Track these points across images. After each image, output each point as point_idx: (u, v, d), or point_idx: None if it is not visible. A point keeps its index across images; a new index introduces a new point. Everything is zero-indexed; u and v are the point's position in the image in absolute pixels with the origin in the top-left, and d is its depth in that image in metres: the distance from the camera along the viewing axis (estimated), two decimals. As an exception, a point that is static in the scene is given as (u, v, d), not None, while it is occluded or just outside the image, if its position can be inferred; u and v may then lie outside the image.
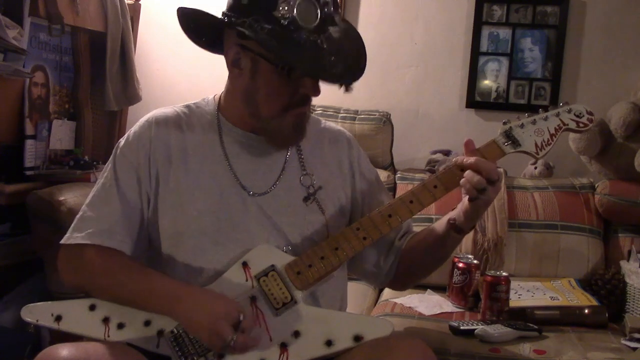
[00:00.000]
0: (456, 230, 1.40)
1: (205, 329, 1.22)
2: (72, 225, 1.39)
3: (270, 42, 1.24)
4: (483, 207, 1.35)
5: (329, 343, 1.25)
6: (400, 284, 1.61)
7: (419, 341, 1.26)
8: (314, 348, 1.25)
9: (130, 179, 1.38)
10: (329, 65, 1.27)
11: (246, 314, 1.23)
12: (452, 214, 1.40)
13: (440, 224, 1.43)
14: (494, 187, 1.32)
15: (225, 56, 1.37)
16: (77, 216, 1.39)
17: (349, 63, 1.31)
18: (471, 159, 1.31)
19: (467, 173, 1.31)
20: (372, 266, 1.51)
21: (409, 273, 1.52)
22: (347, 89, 1.30)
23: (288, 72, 1.28)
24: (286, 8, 1.24)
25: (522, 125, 1.38)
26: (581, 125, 1.40)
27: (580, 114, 1.40)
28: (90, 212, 1.38)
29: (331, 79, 1.27)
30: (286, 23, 1.24)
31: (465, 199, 1.34)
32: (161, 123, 1.42)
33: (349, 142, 1.53)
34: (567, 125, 1.39)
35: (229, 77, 1.41)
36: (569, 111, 1.40)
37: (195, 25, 1.38)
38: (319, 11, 1.27)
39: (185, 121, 1.43)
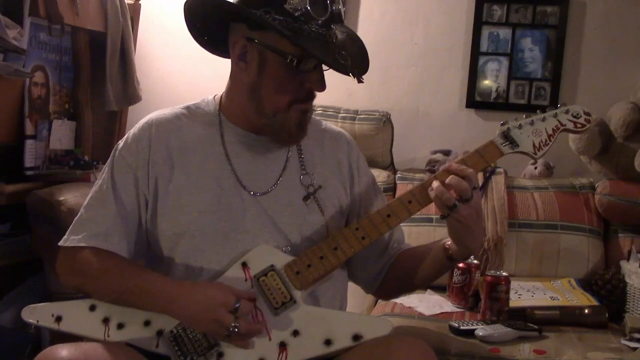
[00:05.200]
0: (448, 257, 1.39)
1: (206, 320, 1.22)
2: (70, 227, 1.40)
3: (283, 31, 1.25)
4: (462, 229, 1.31)
5: (328, 342, 1.25)
6: (385, 293, 1.62)
7: (419, 340, 1.26)
8: (313, 347, 1.25)
9: (127, 182, 1.38)
10: (340, 56, 1.28)
11: (242, 297, 1.24)
12: (446, 239, 1.40)
13: (437, 246, 1.42)
14: (467, 205, 1.29)
15: (230, 50, 1.37)
16: (75, 218, 1.40)
17: (355, 59, 1.33)
18: (450, 176, 1.29)
19: (438, 188, 1.29)
20: (360, 270, 1.52)
21: (394, 284, 1.52)
22: (360, 80, 1.32)
23: (297, 63, 1.29)
24: (297, 0, 1.26)
25: (520, 126, 1.39)
26: (579, 125, 1.40)
27: (577, 114, 1.40)
28: (86, 214, 1.39)
29: (343, 69, 1.28)
30: (297, 14, 1.26)
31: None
32: (161, 125, 1.42)
33: (349, 144, 1.54)
34: (565, 126, 1.40)
35: (232, 73, 1.41)
36: (567, 112, 1.40)
37: (201, 19, 1.38)
38: (329, 4, 1.29)
39: (184, 122, 1.43)
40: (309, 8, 1.26)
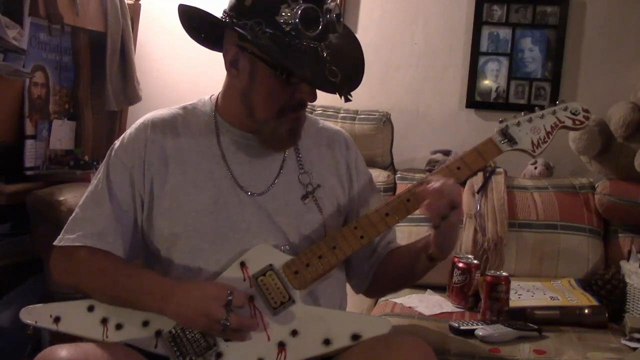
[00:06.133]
0: (428, 257, 1.39)
1: (198, 314, 1.22)
2: (65, 227, 1.40)
3: (270, 47, 1.24)
4: (449, 234, 1.33)
5: (327, 342, 1.25)
6: (373, 292, 1.61)
7: (419, 339, 1.27)
8: (312, 347, 1.25)
9: (123, 182, 1.38)
10: (329, 73, 1.27)
11: (236, 293, 1.23)
12: (428, 239, 1.40)
13: (418, 246, 1.43)
14: (457, 211, 1.29)
15: (224, 56, 1.37)
16: (70, 218, 1.40)
17: (348, 73, 1.31)
18: (436, 184, 1.28)
19: (433, 199, 1.27)
20: (351, 270, 1.52)
21: (381, 282, 1.52)
22: (347, 99, 1.30)
23: (287, 77, 1.29)
24: (289, 14, 1.24)
25: (518, 124, 1.39)
26: (577, 122, 1.40)
27: (576, 111, 1.40)
28: (82, 214, 1.39)
29: (331, 88, 1.27)
30: (288, 29, 1.25)
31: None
32: (157, 125, 1.42)
33: (347, 143, 1.54)
34: (564, 122, 1.40)
35: (226, 76, 1.41)
36: (565, 109, 1.40)
37: (197, 20, 1.38)
38: (321, 19, 1.27)
39: (181, 122, 1.43)
40: (298, 22, 1.24)
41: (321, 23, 1.27)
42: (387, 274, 1.50)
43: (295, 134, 1.38)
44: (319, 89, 1.29)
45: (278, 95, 1.32)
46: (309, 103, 1.37)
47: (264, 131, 1.36)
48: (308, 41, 1.26)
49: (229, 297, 1.21)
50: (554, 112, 1.40)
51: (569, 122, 1.40)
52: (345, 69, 1.30)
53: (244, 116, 1.37)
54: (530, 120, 1.39)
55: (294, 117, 1.36)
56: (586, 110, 1.40)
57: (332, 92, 1.27)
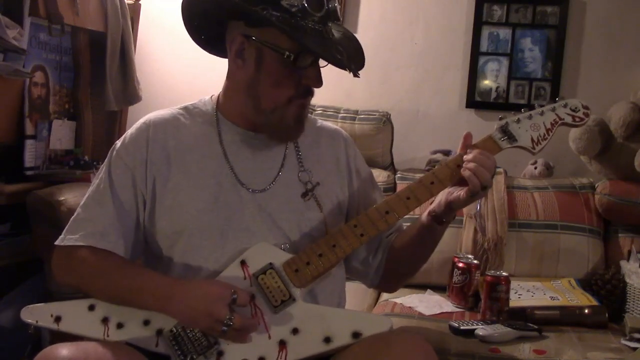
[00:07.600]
0: (438, 221, 1.41)
1: (201, 314, 1.22)
2: (67, 226, 1.39)
3: (282, 26, 1.26)
4: (470, 202, 1.38)
5: (327, 340, 1.25)
6: (389, 284, 1.59)
7: (418, 337, 1.27)
8: (312, 345, 1.26)
9: (125, 181, 1.38)
10: (336, 52, 1.30)
11: (239, 292, 1.23)
12: (432, 207, 1.41)
13: (422, 219, 1.44)
14: (491, 182, 1.36)
15: (228, 48, 1.37)
16: (72, 218, 1.40)
17: (351, 53, 1.35)
18: (475, 152, 1.33)
19: (475, 168, 1.31)
20: (359, 263, 1.51)
21: (397, 270, 1.51)
22: (356, 74, 1.32)
23: (295, 59, 1.30)
24: None
25: (518, 121, 1.39)
26: (577, 119, 1.40)
27: (576, 108, 1.40)
28: (83, 213, 1.39)
29: (340, 63, 1.29)
30: (294, 10, 1.27)
31: (457, 193, 1.36)
32: (158, 125, 1.42)
33: (346, 141, 1.54)
34: (563, 119, 1.40)
35: (229, 71, 1.41)
36: (565, 106, 1.40)
37: (199, 17, 1.38)
38: (325, 1, 1.30)
39: (182, 122, 1.43)
40: (305, 4, 1.27)
41: (325, 4, 1.30)
42: (400, 259, 1.49)
43: (300, 122, 1.38)
44: (330, 62, 1.30)
45: (285, 82, 1.33)
46: (311, 102, 1.38)
47: (271, 121, 1.36)
48: (314, 23, 1.28)
49: (234, 296, 1.22)
50: (553, 109, 1.40)
51: (568, 119, 1.40)
52: (348, 50, 1.34)
53: (249, 109, 1.37)
54: (530, 117, 1.39)
55: (301, 104, 1.36)
56: (586, 107, 1.40)
57: (342, 67, 1.29)
